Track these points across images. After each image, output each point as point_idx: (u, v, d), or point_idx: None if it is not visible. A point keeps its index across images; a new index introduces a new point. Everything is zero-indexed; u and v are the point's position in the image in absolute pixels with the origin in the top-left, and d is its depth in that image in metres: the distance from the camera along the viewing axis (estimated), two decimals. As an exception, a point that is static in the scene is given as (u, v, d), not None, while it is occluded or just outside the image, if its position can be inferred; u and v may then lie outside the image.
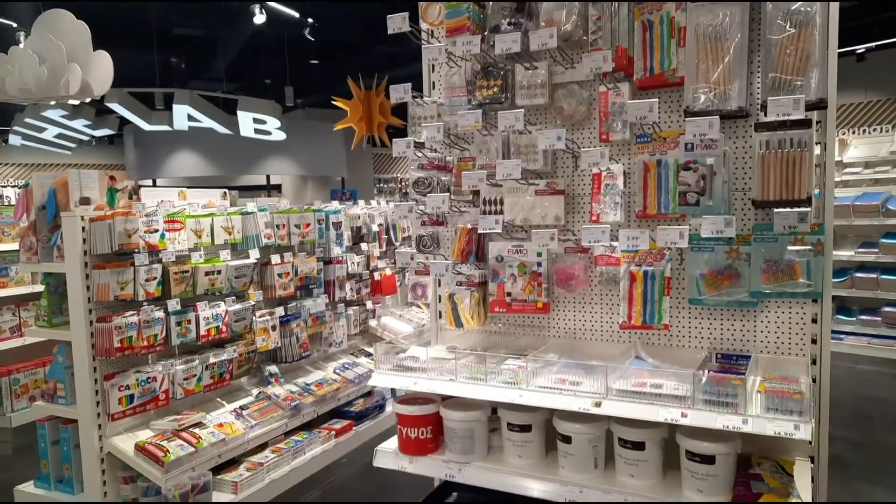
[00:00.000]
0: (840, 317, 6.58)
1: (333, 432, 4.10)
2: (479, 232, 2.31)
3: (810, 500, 1.75)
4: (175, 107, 7.85)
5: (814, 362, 2.01)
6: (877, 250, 6.26)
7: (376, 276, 4.97)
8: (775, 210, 1.82)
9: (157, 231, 3.43)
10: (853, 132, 9.60)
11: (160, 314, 3.31)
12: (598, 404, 1.82)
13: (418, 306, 4.92)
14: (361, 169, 14.37)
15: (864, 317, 6.40)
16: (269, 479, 3.53)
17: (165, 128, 8.45)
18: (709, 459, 1.78)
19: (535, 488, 1.98)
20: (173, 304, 3.37)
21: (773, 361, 2.02)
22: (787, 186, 1.85)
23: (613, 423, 1.94)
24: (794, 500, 1.70)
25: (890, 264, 6.21)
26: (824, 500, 2.05)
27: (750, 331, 2.08)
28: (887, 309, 6.17)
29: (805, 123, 1.83)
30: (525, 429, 2.05)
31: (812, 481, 1.99)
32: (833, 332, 6.55)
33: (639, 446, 1.88)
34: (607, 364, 1.93)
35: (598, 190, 2.15)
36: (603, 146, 2.08)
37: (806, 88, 1.84)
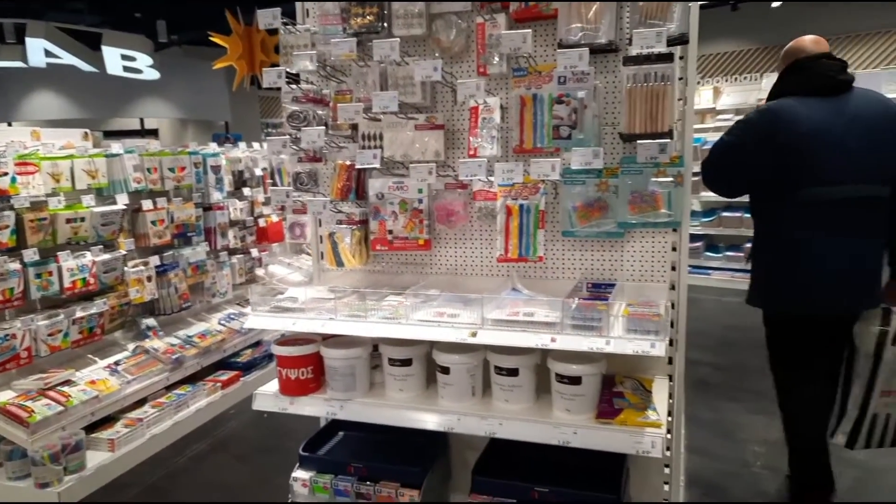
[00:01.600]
0: (709, 254, 7.10)
1: (220, 384, 3.99)
2: (357, 168, 2.26)
3: (666, 412, 1.90)
4: (28, 40, 7.07)
5: (672, 287, 2.13)
6: (741, 191, 6.78)
7: (261, 222, 4.80)
8: (637, 142, 1.89)
9: (6, 174, 3.11)
10: (727, 80, 10.20)
11: (16, 266, 3.03)
12: (474, 334, 1.86)
13: (308, 254, 4.82)
14: (247, 112, 13.65)
15: (729, 253, 6.95)
16: (149, 434, 3.40)
17: (19, 64, 7.60)
18: (576, 380, 1.87)
19: (415, 419, 2.01)
20: (30, 255, 3.09)
21: (639, 288, 2.13)
22: (651, 119, 1.92)
23: (490, 352, 1.99)
24: (649, 413, 1.83)
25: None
26: (682, 412, 2.23)
27: (618, 260, 2.19)
28: (749, 245, 6.73)
29: (668, 58, 1.90)
30: (406, 363, 2.07)
31: (670, 397, 2.15)
32: (702, 267, 7.11)
33: (513, 373, 1.95)
34: (484, 296, 1.97)
35: (475, 124, 2.14)
36: (480, 79, 2.05)
37: (669, 24, 1.90)
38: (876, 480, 3.11)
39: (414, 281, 2.30)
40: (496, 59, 2.14)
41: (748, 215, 6.81)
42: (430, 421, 1.99)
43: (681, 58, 2.03)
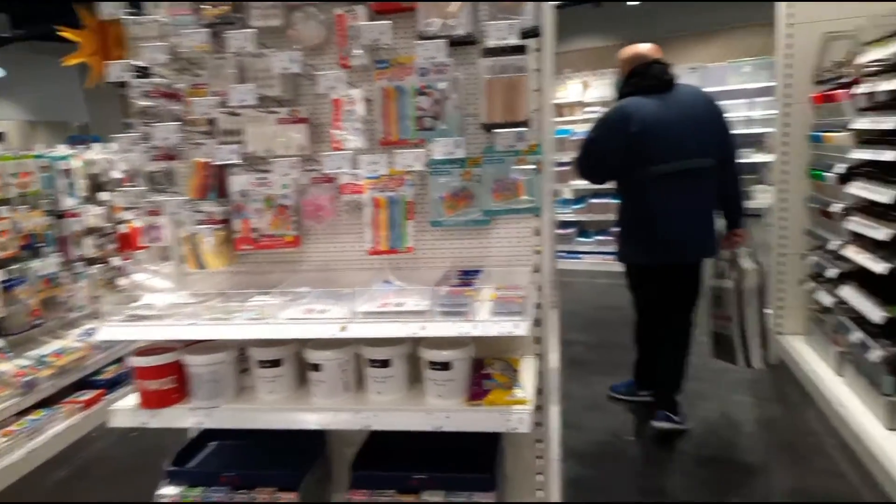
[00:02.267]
0: (580, 239, 7.48)
1: (81, 405, 3.69)
2: (217, 165, 2.16)
3: (534, 389, 1.98)
4: None
5: (537, 270, 2.22)
6: (607, 178, 7.18)
7: (123, 228, 4.49)
8: (495, 131, 1.95)
9: None
10: (594, 74, 10.74)
11: None
12: (344, 328, 1.84)
13: (177, 257, 4.56)
14: (107, 113, 12.70)
15: (599, 237, 7.36)
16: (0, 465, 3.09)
17: None
18: (446, 366, 1.91)
19: (289, 420, 1.96)
20: None
21: (506, 273, 2.20)
22: (509, 109, 1.99)
23: (362, 345, 1.98)
24: (516, 391, 1.91)
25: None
26: (552, 389, 2.33)
27: (485, 247, 2.25)
28: (616, 229, 7.15)
29: (523, 50, 1.97)
30: (275, 364, 2.01)
31: (539, 375, 2.25)
32: (575, 252, 7.48)
33: (385, 364, 1.95)
34: (355, 290, 1.96)
35: (338, 117, 2.12)
36: (341, 72, 2.03)
37: (521, 17, 1.97)
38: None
39: (283, 279, 2.24)
40: (357, 50, 2.12)
41: (615, 201, 7.24)
42: (303, 420, 1.95)
43: (537, 50, 2.10)
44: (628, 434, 3.54)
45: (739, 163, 3.33)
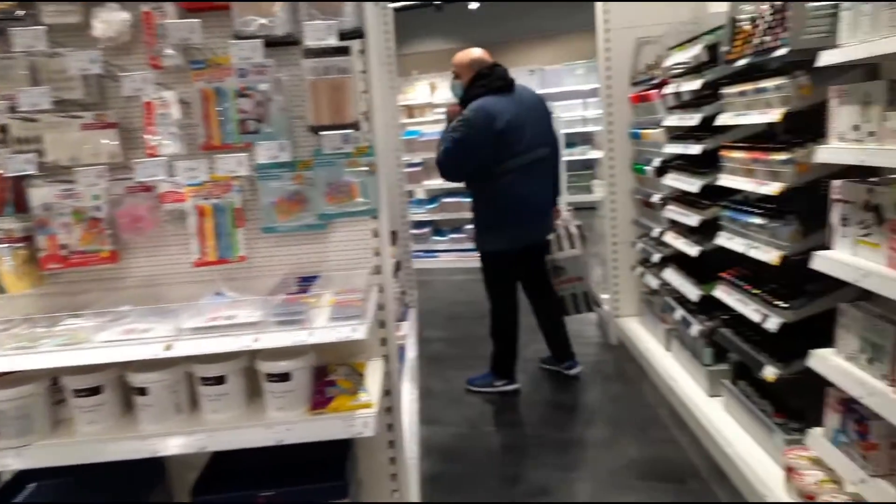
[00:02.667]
0: (436, 238, 7.61)
1: None
2: (10, 176, 1.93)
3: (380, 392, 1.98)
4: None
5: (378, 272, 2.22)
6: (457, 177, 7.36)
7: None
8: (320, 133, 1.92)
9: None
10: (440, 76, 10.97)
11: None
12: (168, 347, 1.72)
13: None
14: None
15: (453, 235, 7.53)
16: None
17: None
18: (285, 377, 1.85)
19: (113, 451, 1.81)
20: None
21: (346, 276, 2.18)
22: (336, 111, 1.97)
23: (192, 363, 1.87)
24: (360, 396, 1.89)
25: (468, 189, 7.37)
26: (399, 388, 2.34)
27: (323, 251, 2.21)
28: (468, 226, 7.36)
29: (345, 51, 1.95)
30: (94, 391, 1.84)
31: (387, 376, 2.25)
32: (431, 251, 7.60)
33: (220, 380, 1.85)
34: (181, 305, 1.84)
35: (150, 121, 1.97)
36: (149, 72, 1.90)
37: (340, 18, 1.95)
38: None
39: (101, 299, 2.06)
40: (169, 50, 1.99)
41: (466, 199, 7.45)
42: (131, 450, 1.81)
43: (361, 51, 2.10)
44: (488, 425, 3.65)
45: (560, 152, 3.92)
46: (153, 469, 2.19)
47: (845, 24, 1.99)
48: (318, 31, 1.79)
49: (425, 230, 7.57)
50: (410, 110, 10.56)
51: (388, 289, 2.24)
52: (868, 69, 2.28)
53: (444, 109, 10.76)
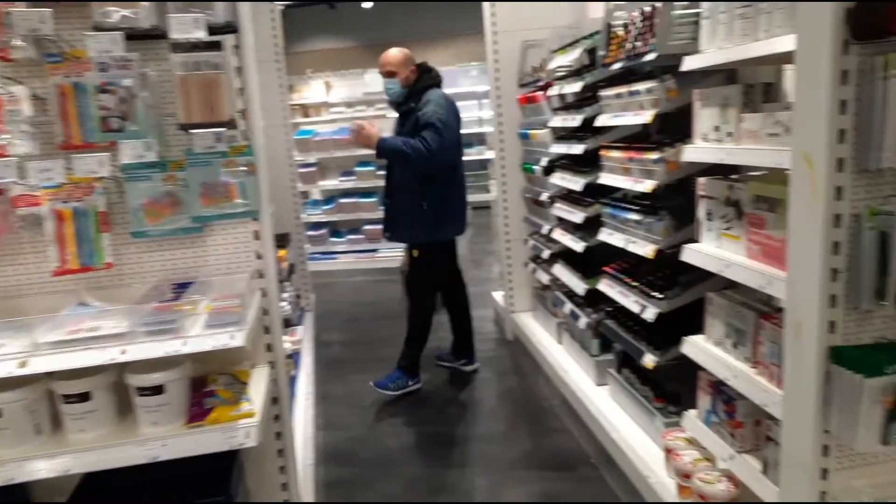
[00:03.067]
0: (334, 239, 7.49)
1: None
2: None
3: (265, 400, 1.91)
4: None
5: (261, 275, 2.14)
6: (354, 178, 7.27)
7: None
8: (192, 131, 1.83)
9: None
10: (335, 75, 10.81)
11: None
12: (23, 364, 1.58)
13: None
14: None
15: (351, 236, 7.43)
16: None
17: None
18: (158, 390, 1.74)
19: (-41, 483, 1.63)
20: None
21: (227, 281, 2.09)
22: (209, 109, 1.88)
23: (53, 380, 1.72)
24: (242, 405, 1.82)
25: (366, 189, 7.30)
26: (288, 395, 2.27)
27: (201, 256, 2.10)
28: (367, 227, 7.30)
29: (217, 46, 1.87)
30: (-66, 417, 1.66)
31: (275, 382, 2.18)
32: (329, 253, 7.47)
33: (84, 397, 1.72)
34: (39, 317, 1.69)
35: (-1, 118, 1.80)
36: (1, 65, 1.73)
37: (215, 12, 1.87)
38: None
39: (-56, 314, 1.86)
40: (18, 41, 1.82)
41: (364, 200, 7.35)
42: (-20, 479, 1.64)
43: (236, 47, 2.01)
44: (386, 426, 3.63)
45: None
46: (15, 498, 2.01)
47: (705, 31, 2.13)
48: (185, 25, 1.70)
49: (322, 231, 7.43)
50: (305, 109, 10.34)
51: (272, 293, 2.16)
52: (728, 74, 2.46)
53: (340, 109, 10.59)
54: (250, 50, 2.04)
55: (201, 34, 1.72)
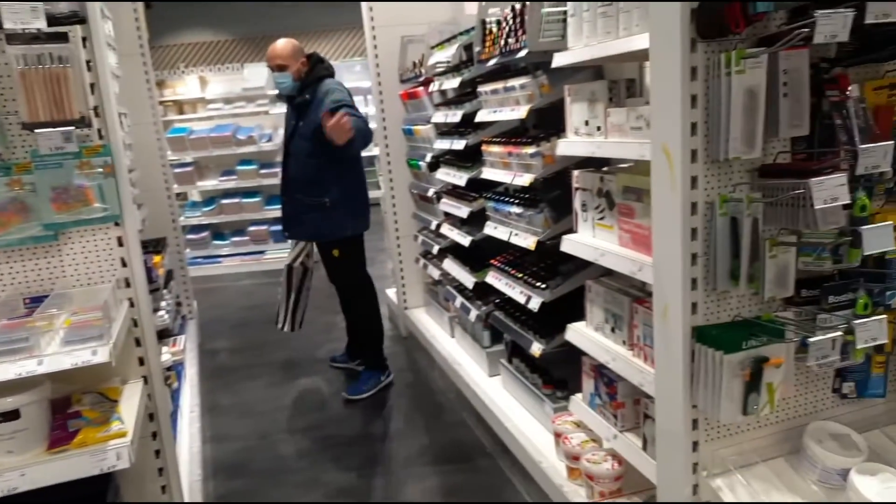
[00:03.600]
0: (217, 242, 7.16)
1: None
2: None
3: (140, 417, 1.78)
4: None
5: (129, 285, 2.00)
6: (236, 177, 6.96)
7: None
8: (37, 131, 1.67)
9: None
10: (210, 70, 10.32)
11: None
12: None
13: None
14: None
15: (235, 238, 7.13)
16: None
17: None
18: (13, 415, 1.58)
19: None
20: None
21: (88, 293, 1.93)
22: (56, 106, 1.72)
23: None
24: (112, 425, 1.69)
25: (249, 188, 7.03)
26: (168, 409, 2.14)
27: (57, 266, 1.93)
28: (252, 228, 7.04)
29: (64, 37, 1.71)
30: None
31: (150, 398, 2.04)
32: (212, 256, 7.14)
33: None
34: None
35: None
36: None
37: (57, 1, 1.71)
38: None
39: None
40: None
41: (247, 200, 7.08)
42: None
43: (85, 39, 1.85)
44: (280, 433, 3.51)
45: None
46: None
47: (571, 29, 2.21)
48: (21, 14, 1.54)
49: (203, 234, 7.08)
50: (180, 106, 9.80)
51: (142, 302, 2.02)
52: (595, 70, 2.57)
53: (218, 105, 10.12)
54: (101, 42, 1.88)
55: (41, 24, 1.57)
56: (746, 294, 1.59)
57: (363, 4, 4.31)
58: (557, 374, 2.90)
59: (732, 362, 1.51)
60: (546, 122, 2.99)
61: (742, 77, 1.39)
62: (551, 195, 2.65)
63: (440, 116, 3.62)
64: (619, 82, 2.13)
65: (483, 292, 3.47)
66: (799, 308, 1.63)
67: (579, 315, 2.39)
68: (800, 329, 1.55)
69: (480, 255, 3.51)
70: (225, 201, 7.00)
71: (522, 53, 2.49)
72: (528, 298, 2.75)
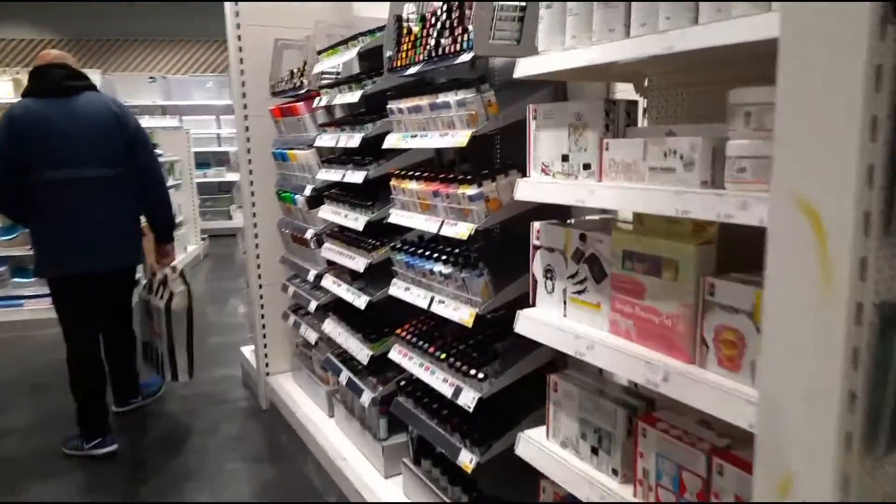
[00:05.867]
0: (18, 279, 5.71)
1: None
2: None
3: None
4: None
5: None
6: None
7: None
8: None
9: None
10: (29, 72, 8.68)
11: None
12: None
13: None
14: None
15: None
16: None
17: None
18: None
19: None
20: None
21: None
22: None
23: None
24: None
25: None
26: None
27: None
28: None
29: None
30: None
31: None
32: (10, 297, 5.65)
33: None
34: None
35: None
36: None
37: None
38: None
39: None
40: None
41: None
42: None
43: None
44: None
45: (158, 175, 3.43)
46: None
47: (544, 26, 1.56)
48: None
49: (1, 269, 5.60)
50: (-17, 112, 8.06)
51: None
52: (557, 87, 1.95)
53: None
54: None
55: None
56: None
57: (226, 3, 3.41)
58: (489, 490, 2.18)
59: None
60: (472, 155, 2.33)
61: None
62: (495, 251, 1.96)
63: (327, 139, 2.82)
64: (618, 103, 1.50)
65: (381, 365, 2.68)
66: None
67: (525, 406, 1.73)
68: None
69: (377, 316, 2.75)
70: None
71: (465, 58, 1.80)
72: (458, 391, 2.03)
